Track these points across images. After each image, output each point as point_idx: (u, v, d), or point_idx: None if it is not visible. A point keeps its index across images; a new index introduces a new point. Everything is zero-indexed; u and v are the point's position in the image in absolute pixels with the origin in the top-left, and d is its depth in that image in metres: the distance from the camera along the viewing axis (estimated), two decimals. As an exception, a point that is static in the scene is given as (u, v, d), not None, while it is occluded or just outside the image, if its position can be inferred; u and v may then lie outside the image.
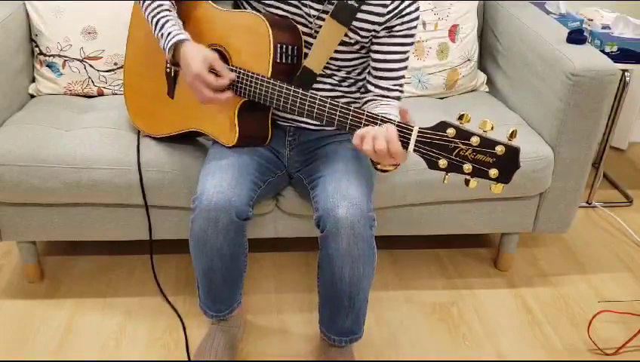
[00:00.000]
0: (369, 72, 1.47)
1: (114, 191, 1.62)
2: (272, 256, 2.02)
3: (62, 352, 1.63)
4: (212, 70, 1.36)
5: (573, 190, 1.80)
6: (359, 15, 1.39)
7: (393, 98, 1.45)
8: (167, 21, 1.41)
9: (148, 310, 1.77)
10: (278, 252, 2.03)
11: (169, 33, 1.39)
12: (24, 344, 1.64)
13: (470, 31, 2.04)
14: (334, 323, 1.49)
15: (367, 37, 1.42)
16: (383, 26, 1.40)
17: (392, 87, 1.45)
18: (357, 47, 1.45)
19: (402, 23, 1.40)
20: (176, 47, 1.39)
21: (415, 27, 1.42)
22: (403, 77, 1.45)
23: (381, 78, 1.45)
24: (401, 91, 1.45)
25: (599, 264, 2.05)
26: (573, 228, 2.21)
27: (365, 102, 1.48)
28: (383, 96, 1.45)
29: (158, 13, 1.43)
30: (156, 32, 1.43)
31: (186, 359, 1.61)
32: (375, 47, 1.43)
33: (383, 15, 1.39)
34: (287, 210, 1.70)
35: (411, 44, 1.43)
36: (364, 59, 1.50)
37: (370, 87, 1.47)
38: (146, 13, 1.45)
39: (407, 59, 1.44)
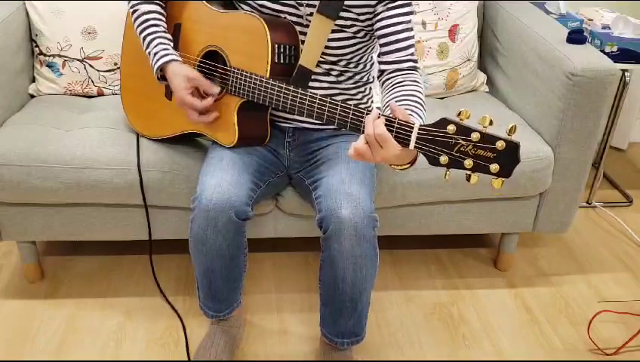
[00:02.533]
0: (378, 54, 1.46)
1: (114, 191, 1.62)
2: (272, 256, 2.02)
3: (62, 352, 1.63)
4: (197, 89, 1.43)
5: (573, 190, 1.80)
6: (347, 2, 1.39)
7: (408, 69, 1.43)
8: (153, 39, 1.46)
9: (148, 310, 1.77)
10: (278, 252, 2.03)
11: (155, 54, 1.45)
12: (24, 344, 1.64)
13: (470, 31, 2.04)
14: (336, 325, 1.48)
15: (365, 13, 1.42)
16: (376, 0, 1.41)
17: (402, 58, 1.43)
18: (354, 29, 1.45)
19: None
20: (162, 68, 1.45)
21: None
22: (412, 46, 1.43)
23: (390, 52, 1.43)
24: (414, 61, 1.44)
25: (599, 264, 2.05)
26: (573, 228, 2.21)
27: (383, 84, 1.44)
28: (398, 70, 1.43)
29: (145, 29, 1.47)
30: (144, 49, 1.48)
31: (186, 359, 1.61)
32: (377, 25, 1.43)
33: None
34: (287, 210, 1.70)
35: (410, 13, 1.43)
36: (363, 45, 1.49)
37: (382, 66, 1.45)
38: (135, 25, 1.50)
39: (411, 29, 1.43)
